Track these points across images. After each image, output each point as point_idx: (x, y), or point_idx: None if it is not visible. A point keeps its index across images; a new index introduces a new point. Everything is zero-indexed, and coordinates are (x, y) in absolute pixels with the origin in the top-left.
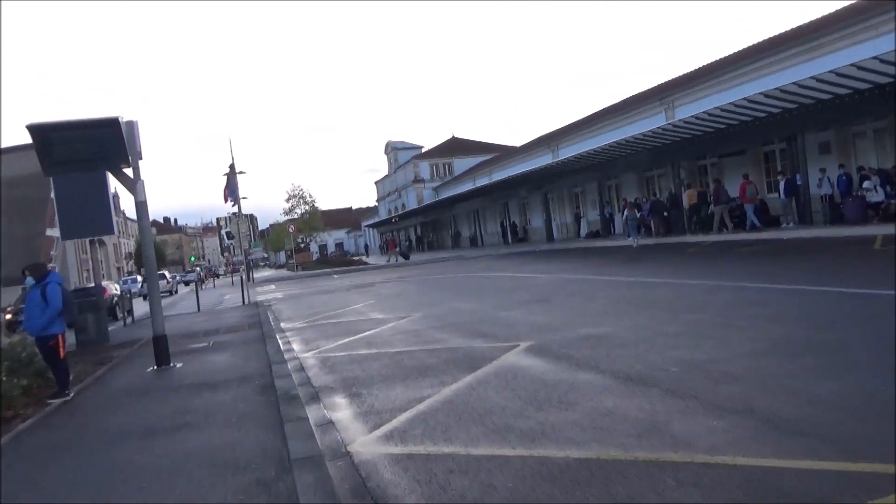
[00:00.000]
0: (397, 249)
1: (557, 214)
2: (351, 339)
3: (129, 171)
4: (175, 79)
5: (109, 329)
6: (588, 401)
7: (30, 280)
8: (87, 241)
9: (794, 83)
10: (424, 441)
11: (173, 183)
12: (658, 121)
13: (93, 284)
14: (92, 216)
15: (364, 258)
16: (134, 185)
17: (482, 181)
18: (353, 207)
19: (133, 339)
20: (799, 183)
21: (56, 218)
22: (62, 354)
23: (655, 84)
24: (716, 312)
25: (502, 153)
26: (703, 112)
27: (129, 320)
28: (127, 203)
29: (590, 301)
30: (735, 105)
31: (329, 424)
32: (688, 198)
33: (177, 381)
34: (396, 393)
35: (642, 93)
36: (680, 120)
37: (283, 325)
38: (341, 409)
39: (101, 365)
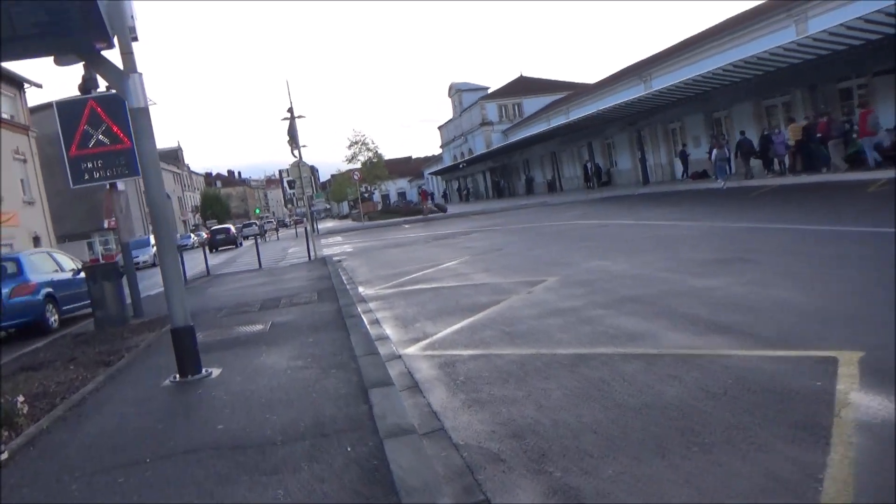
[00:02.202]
0: (430, 203)
1: (651, 154)
2: (470, 319)
3: (112, 56)
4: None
5: (151, 294)
6: None
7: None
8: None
9: None
10: None
11: (237, 137)
12: (785, 36)
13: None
14: (109, 155)
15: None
16: (121, 79)
17: (558, 120)
18: (413, 157)
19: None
20: None
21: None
22: None
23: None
24: None
25: (577, 90)
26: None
27: None
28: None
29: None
30: None
31: None
32: (791, 133)
33: (200, 420)
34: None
35: (763, 5)
36: (824, 31)
37: (361, 290)
38: None
39: (101, 366)
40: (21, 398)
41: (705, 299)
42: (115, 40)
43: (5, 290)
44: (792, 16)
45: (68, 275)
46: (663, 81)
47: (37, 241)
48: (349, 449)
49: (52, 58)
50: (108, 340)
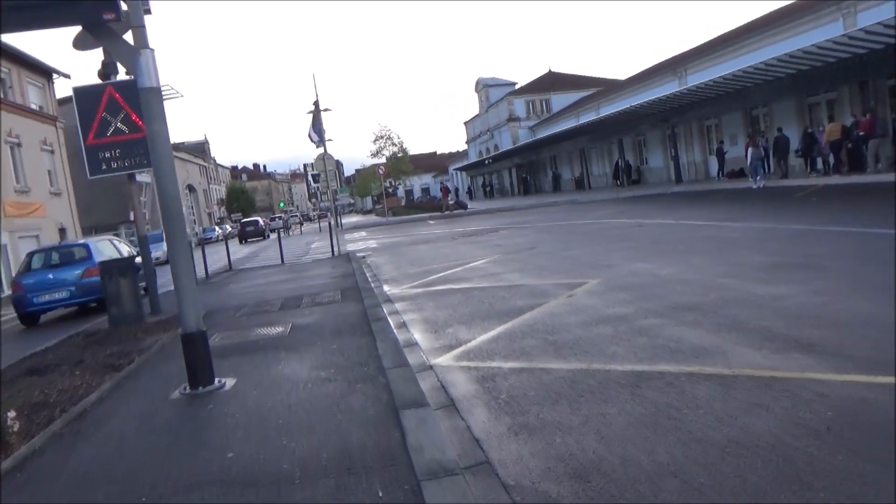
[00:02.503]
0: (451, 199)
1: (684, 152)
2: (507, 325)
3: (122, 30)
4: (268, 28)
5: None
6: None
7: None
8: (184, 187)
9: None
10: None
11: (264, 131)
12: (832, 30)
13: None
14: (128, 144)
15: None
16: (131, 54)
17: (588, 117)
18: (438, 152)
19: None
20: None
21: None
22: None
23: None
24: None
25: (607, 86)
26: None
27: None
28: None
29: None
30: None
31: None
32: (827, 133)
33: (208, 445)
34: None
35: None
36: (878, 24)
37: (387, 289)
38: None
39: (109, 371)
40: (12, 413)
41: (775, 310)
42: (125, 8)
43: (78, 272)
44: (841, 9)
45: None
46: (699, 77)
47: (63, 232)
48: (381, 493)
49: (70, 42)
50: (120, 340)
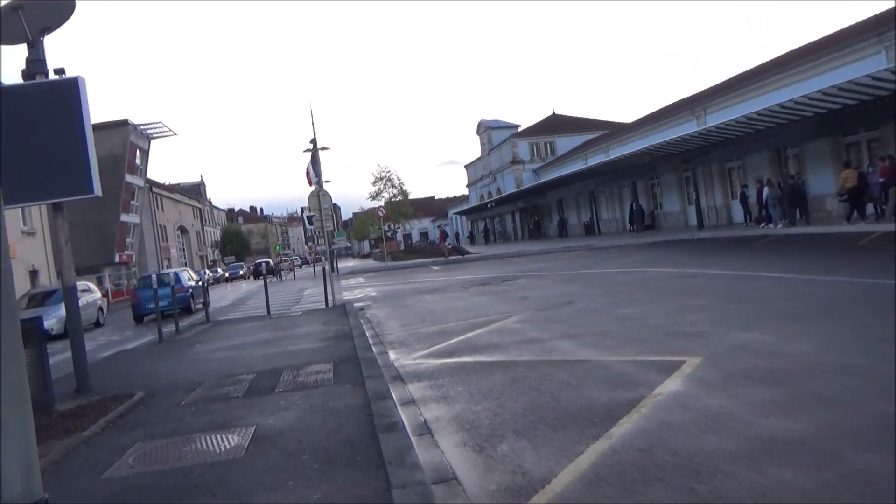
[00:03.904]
0: (448, 243)
1: (704, 196)
2: (600, 445)
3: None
4: (263, 71)
5: (107, 354)
6: None
7: None
8: (176, 229)
9: None
10: None
11: (260, 174)
12: (873, 65)
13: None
14: (59, 169)
15: (461, 247)
16: None
17: (596, 159)
18: (436, 197)
19: (126, 389)
20: None
21: (132, 201)
22: None
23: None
24: None
25: (613, 129)
26: None
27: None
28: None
29: None
30: None
31: None
32: (843, 180)
33: None
34: None
35: (845, 32)
36: None
37: (395, 359)
38: None
39: None
40: None
41: None
42: None
43: (171, 289)
44: (882, 41)
45: (195, 283)
46: (719, 117)
47: (34, 275)
48: None
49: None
50: None
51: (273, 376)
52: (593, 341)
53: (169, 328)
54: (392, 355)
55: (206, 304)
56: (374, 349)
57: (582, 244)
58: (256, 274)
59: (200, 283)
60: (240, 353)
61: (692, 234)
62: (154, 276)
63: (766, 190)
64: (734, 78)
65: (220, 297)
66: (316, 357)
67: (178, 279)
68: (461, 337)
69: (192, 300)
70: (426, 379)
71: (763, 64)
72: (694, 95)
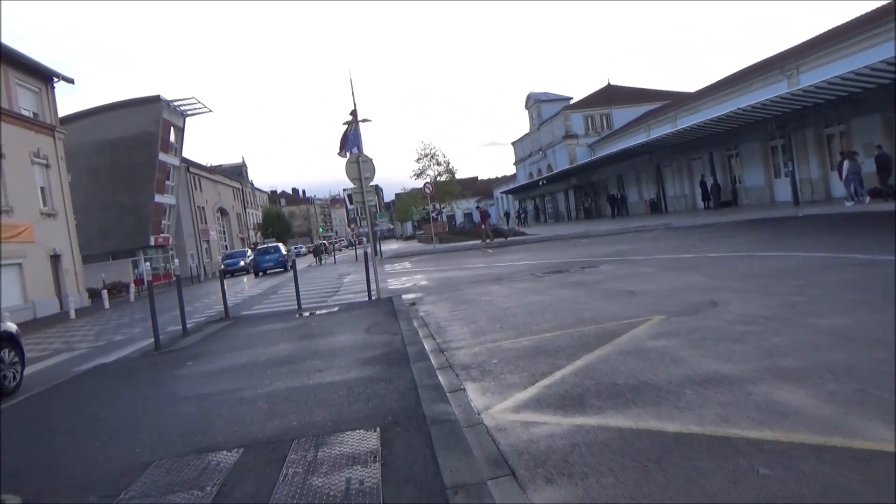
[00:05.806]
0: (488, 224)
1: (798, 168)
2: None
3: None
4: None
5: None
6: None
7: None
8: (216, 210)
9: None
10: None
11: (302, 157)
12: None
13: None
14: None
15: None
16: None
17: (660, 130)
18: (479, 178)
19: None
20: None
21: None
22: None
23: None
24: None
25: (675, 99)
26: None
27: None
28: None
29: None
30: None
31: None
32: None
33: None
34: None
35: None
36: None
37: (481, 410)
38: None
39: None
40: None
41: None
42: None
43: (276, 255)
44: None
45: (286, 254)
46: (815, 77)
47: (56, 259)
48: None
49: None
50: None
51: (271, 461)
52: (818, 385)
53: (174, 329)
54: (475, 400)
55: (293, 267)
56: (440, 378)
57: (656, 223)
58: (256, 269)
59: (290, 254)
60: (238, 386)
61: (793, 210)
62: (263, 250)
63: (846, 163)
64: (832, 30)
65: (257, 282)
66: (352, 407)
67: (277, 250)
68: (578, 362)
69: (286, 263)
70: (567, 479)
71: (862, 16)
72: (786, 51)
